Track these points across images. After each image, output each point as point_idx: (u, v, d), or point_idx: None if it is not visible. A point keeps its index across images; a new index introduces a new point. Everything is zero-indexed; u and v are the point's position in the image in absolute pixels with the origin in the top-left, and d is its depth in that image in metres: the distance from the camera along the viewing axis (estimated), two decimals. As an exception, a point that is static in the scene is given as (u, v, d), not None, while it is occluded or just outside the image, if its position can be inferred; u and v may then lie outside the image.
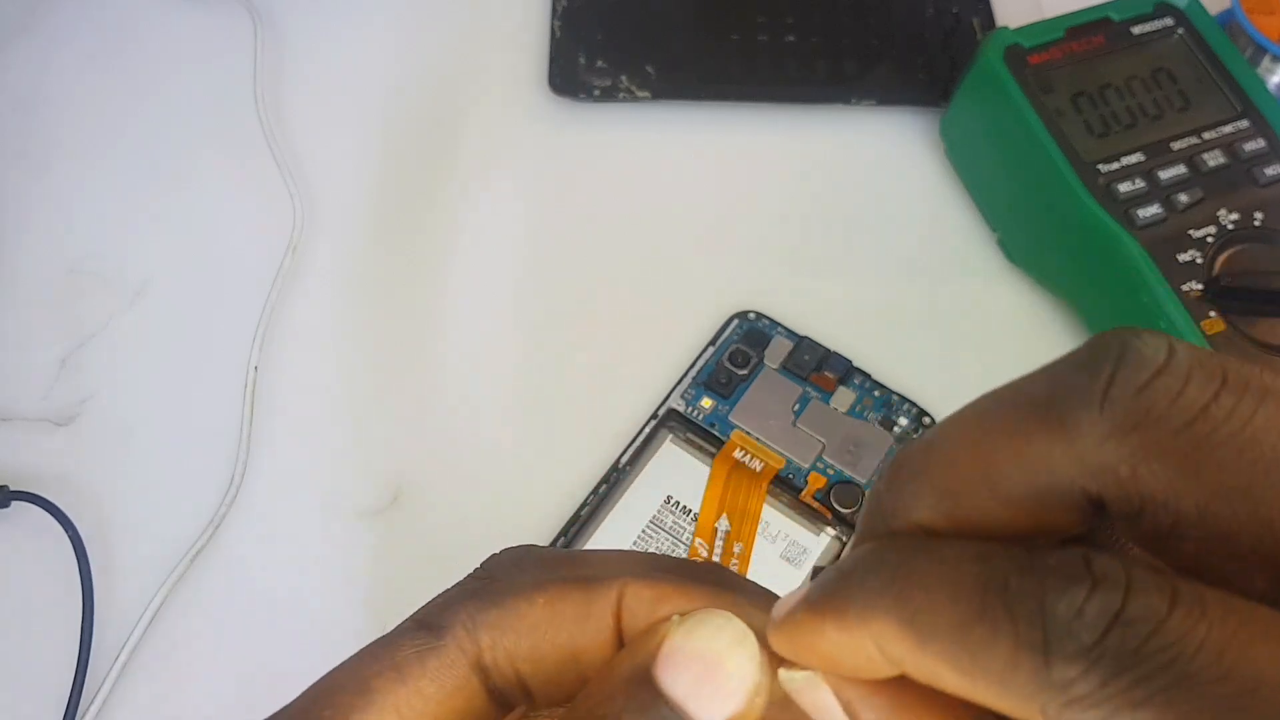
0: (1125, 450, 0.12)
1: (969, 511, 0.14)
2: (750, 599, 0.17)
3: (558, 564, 0.18)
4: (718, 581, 0.18)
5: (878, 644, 0.13)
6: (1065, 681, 0.11)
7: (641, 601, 0.17)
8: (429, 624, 0.17)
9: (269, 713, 0.17)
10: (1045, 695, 0.12)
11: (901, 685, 0.14)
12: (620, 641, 0.17)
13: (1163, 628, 0.11)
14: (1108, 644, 0.11)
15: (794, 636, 0.15)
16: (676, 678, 0.16)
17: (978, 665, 0.12)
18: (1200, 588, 0.11)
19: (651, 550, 0.38)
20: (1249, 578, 0.12)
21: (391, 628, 0.18)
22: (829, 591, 0.14)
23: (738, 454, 0.40)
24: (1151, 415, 0.12)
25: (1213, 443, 0.12)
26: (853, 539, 0.17)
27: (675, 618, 0.16)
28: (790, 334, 0.43)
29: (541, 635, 0.17)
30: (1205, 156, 0.42)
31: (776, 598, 0.17)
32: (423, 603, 0.18)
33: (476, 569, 0.19)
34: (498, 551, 0.19)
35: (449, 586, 0.19)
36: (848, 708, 0.15)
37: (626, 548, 0.38)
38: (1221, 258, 0.40)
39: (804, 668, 0.15)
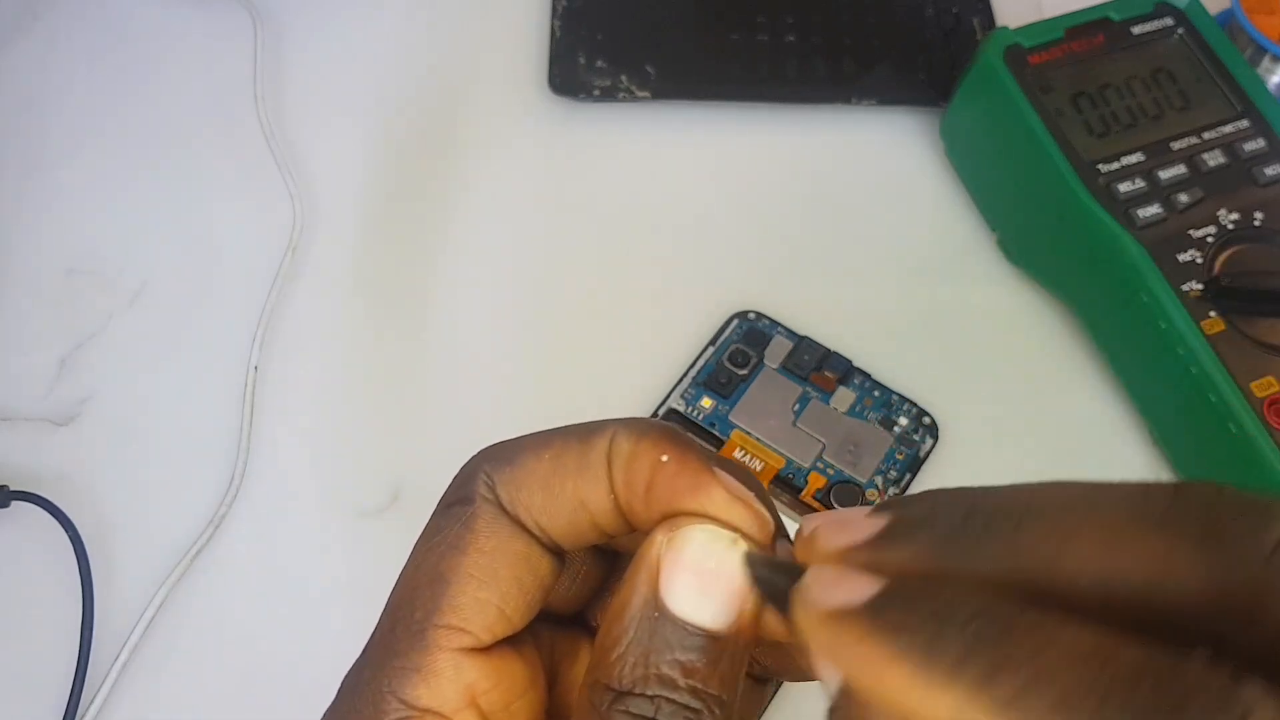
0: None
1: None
2: (704, 456, 0.18)
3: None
4: (679, 437, 0.19)
5: (954, 711, 0.12)
6: None
7: (623, 452, 0.18)
8: (455, 499, 0.18)
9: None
10: None
11: None
12: (611, 486, 0.18)
13: None
14: None
15: (847, 641, 0.13)
16: (682, 600, 0.17)
17: None
18: None
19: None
20: None
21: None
22: (915, 624, 0.13)
23: (738, 454, 0.40)
24: None
25: None
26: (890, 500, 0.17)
27: (662, 538, 0.17)
28: (790, 334, 0.43)
29: (551, 489, 0.18)
30: (1205, 156, 0.42)
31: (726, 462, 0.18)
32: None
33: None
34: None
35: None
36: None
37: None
38: (1221, 258, 0.40)
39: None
